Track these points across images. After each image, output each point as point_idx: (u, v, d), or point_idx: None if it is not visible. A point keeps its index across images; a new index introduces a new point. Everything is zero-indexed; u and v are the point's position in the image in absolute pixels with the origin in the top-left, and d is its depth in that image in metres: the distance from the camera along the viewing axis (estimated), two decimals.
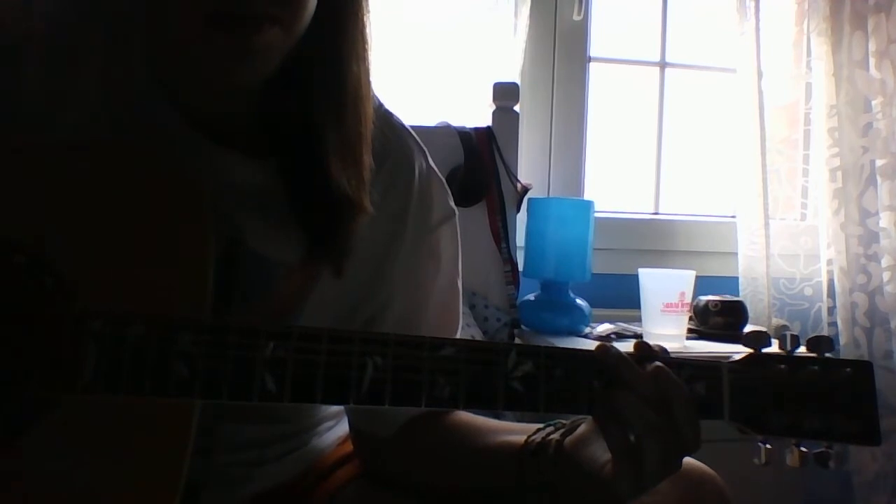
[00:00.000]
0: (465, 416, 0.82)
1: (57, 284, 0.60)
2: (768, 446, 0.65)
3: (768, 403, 0.64)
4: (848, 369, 0.65)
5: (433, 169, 0.85)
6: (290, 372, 0.59)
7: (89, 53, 0.71)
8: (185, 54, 0.68)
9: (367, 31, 0.74)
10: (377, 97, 0.81)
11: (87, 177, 0.65)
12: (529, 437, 0.73)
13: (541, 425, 0.74)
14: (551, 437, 0.70)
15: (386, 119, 0.81)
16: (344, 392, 0.59)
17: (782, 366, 0.65)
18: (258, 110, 0.74)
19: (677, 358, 0.65)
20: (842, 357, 1.52)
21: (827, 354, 0.66)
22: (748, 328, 1.73)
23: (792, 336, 0.67)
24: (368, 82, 0.74)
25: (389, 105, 0.84)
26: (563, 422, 0.72)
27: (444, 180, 0.86)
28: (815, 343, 0.67)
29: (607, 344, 0.65)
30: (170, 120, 0.71)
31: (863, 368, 0.66)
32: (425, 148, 0.85)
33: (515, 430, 0.76)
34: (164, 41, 0.70)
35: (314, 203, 0.73)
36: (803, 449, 0.65)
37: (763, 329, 0.69)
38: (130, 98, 0.71)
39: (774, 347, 0.67)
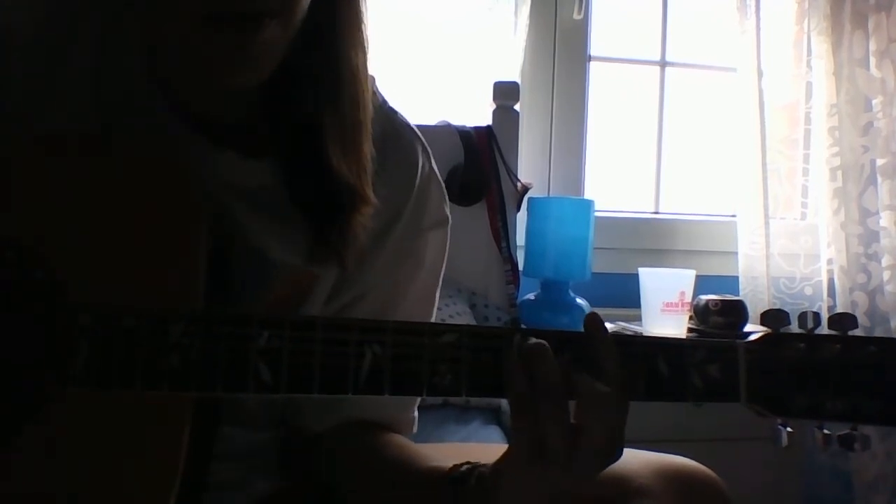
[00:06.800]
0: (402, 438, 0.80)
1: (47, 280, 0.60)
2: (789, 429, 0.62)
3: (788, 384, 0.61)
4: (872, 347, 0.62)
5: (435, 171, 0.84)
6: (285, 362, 0.57)
7: (82, 48, 0.70)
8: (184, 55, 0.67)
9: (364, 16, 0.72)
10: (381, 95, 0.81)
11: (80, 172, 0.64)
12: (457, 464, 0.69)
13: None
14: (478, 467, 0.67)
15: (389, 117, 0.81)
16: (342, 382, 0.58)
17: (802, 345, 0.62)
18: (256, 108, 0.73)
19: (688, 340, 0.62)
20: None
21: (851, 332, 0.63)
22: (748, 327, 1.72)
23: (813, 314, 0.63)
24: (366, 69, 0.73)
25: (391, 104, 0.84)
26: None
27: (443, 186, 0.85)
28: (838, 320, 0.63)
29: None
30: (166, 118, 0.70)
31: (889, 346, 0.62)
32: (429, 149, 0.84)
33: (450, 458, 0.71)
34: (162, 41, 0.69)
35: (316, 195, 0.72)
36: (826, 431, 0.62)
37: (782, 309, 0.66)
38: (126, 95, 0.70)
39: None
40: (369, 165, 0.73)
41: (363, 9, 0.72)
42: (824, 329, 0.64)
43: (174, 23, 0.63)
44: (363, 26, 0.72)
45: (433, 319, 0.86)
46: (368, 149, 0.73)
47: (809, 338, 0.63)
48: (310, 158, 0.71)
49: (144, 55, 0.71)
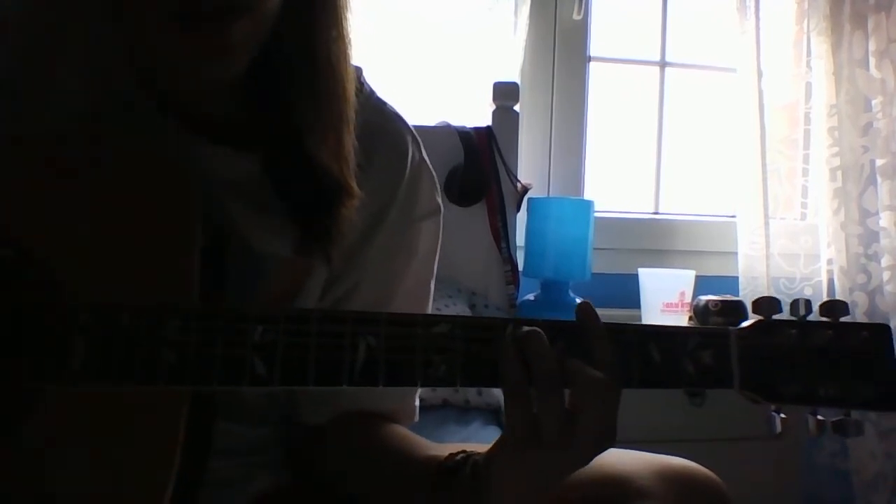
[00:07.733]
0: (401, 428, 0.80)
1: (46, 279, 0.60)
2: (783, 416, 0.62)
3: (780, 370, 0.61)
4: (865, 333, 0.62)
5: (425, 161, 0.84)
6: (280, 355, 0.58)
7: (75, 48, 0.70)
8: (159, 52, 0.67)
9: (345, 9, 0.71)
10: (368, 86, 0.80)
11: (77, 171, 0.64)
12: (453, 453, 0.69)
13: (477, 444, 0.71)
14: (473, 456, 0.67)
15: (377, 108, 0.80)
16: (337, 374, 0.58)
17: (794, 331, 0.62)
18: (242, 102, 0.73)
19: (680, 327, 0.63)
20: None
21: (842, 319, 0.63)
22: None
23: (805, 301, 0.64)
24: (347, 60, 0.72)
25: (390, 103, 0.83)
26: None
27: (434, 175, 0.84)
28: (830, 307, 0.64)
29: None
30: (162, 116, 0.71)
31: (880, 331, 0.62)
32: (419, 139, 0.84)
33: (447, 448, 0.72)
34: (139, 39, 0.69)
35: (299, 189, 0.71)
36: (820, 417, 0.63)
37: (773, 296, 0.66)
38: (120, 94, 0.70)
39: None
40: (352, 158, 0.73)
41: (344, 2, 0.71)
42: (816, 317, 0.64)
43: (146, 21, 0.63)
44: (343, 18, 0.71)
45: (429, 311, 0.85)
46: (351, 140, 0.73)
47: (801, 324, 0.63)
48: (291, 151, 0.71)
49: (130, 56, 0.71)
